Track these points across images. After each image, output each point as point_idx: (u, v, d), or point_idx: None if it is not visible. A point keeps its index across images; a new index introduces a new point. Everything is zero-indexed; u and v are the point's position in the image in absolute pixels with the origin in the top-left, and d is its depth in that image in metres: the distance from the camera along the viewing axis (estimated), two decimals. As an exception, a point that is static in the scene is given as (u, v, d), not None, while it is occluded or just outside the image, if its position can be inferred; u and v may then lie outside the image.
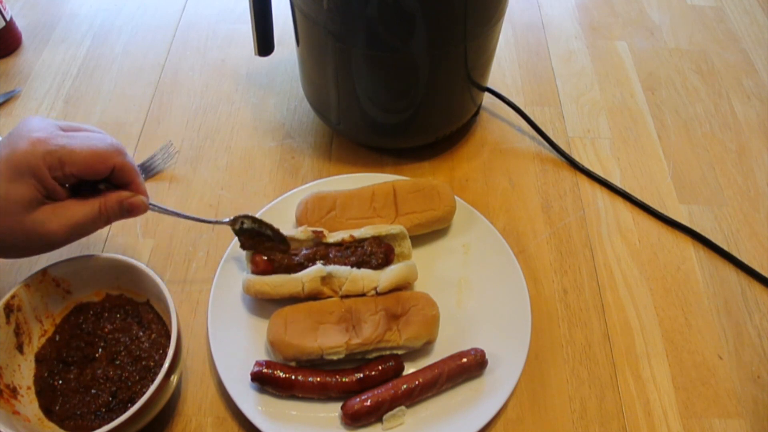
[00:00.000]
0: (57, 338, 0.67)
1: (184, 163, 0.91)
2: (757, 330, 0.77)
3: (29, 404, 0.62)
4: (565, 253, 0.83)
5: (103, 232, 0.83)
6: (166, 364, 0.58)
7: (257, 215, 0.80)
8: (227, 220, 0.73)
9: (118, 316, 0.69)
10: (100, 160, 0.61)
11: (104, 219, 0.63)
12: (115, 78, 1.03)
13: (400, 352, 0.69)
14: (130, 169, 0.64)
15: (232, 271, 0.76)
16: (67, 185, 0.61)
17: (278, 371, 0.66)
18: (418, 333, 0.69)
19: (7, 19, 1.03)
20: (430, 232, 0.81)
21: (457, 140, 0.95)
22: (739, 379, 0.73)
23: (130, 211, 0.65)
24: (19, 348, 0.65)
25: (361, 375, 0.67)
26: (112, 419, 0.55)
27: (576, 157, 0.94)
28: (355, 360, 0.69)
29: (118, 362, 0.66)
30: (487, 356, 0.69)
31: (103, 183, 0.63)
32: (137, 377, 0.64)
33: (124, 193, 0.64)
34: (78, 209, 0.61)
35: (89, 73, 1.03)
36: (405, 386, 0.66)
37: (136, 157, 0.91)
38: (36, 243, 0.60)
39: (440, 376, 0.67)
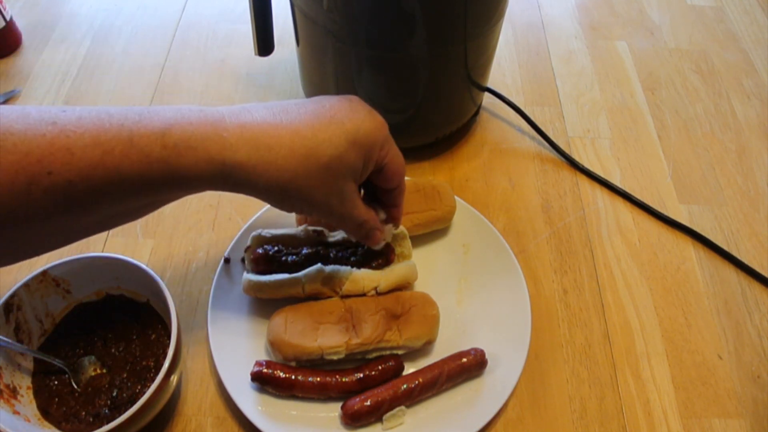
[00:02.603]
0: (56, 338, 0.67)
1: (184, 163, 0.91)
2: (757, 330, 0.77)
3: (29, 404, 0.62)
4: (565, 253, 0.83)
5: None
6: (166, 364, 0.58)
7: (257, 216, 0.80)
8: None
9: (118, 316, 0.69)
10: (399, 179, 0.62)
11: (360, 227, 0.62)
12: (115, 78, 1.03)
13: (400, 352, 0.69)
14: (399, 195, 0.65)
15: (232, 271, 0.76)
16: None
17: (278, 371, 0.66)
18: (418, 333, 0.69)
19: (7, 19, 1.03)
20: (430, 232, 0.81)
21: (457, 140, 0.95)
22: (739, 379, 0.73)
23: (369, 239, 0.64)
24: (19, 348, 0.65)
25: (361, 375, 0.67)
26: (112, 419, 0.55)
27: (576, 157, 0.94)
28: (355, 360, 0.69)
29: (117, 363, 0.66)
30: (487, 356, 0.69)
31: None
32: (137, 377, 0.64)
33: (379, 224, 0.64)
34: (361, 207, 0.60)
35: (89, 73, 1.03)
36: (405, 386, 0.66)
37: (136, 157, 0.91)
38: (325, 205, 0.57)
39: (440, 376, 0.67)
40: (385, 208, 0.66)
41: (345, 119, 0.54)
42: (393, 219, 0.67)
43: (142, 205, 0.52)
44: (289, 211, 0.58)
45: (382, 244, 0.68)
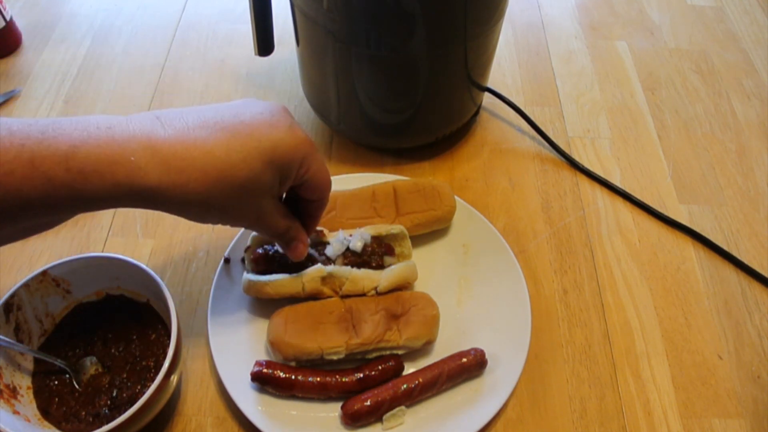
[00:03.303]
0: (56, 338, 0.67)
1: (184, 163, 0.91)
2: (757, 330, 0.77)
3: (29, 404, 0.62)
4: (565, 253, 0.83)
5: (103, 232, 0.83)
6: (166, 364, 0.58)
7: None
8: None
9: (118, 316, 0.69)
10: (321, 194, 0.61)
11: (279, 238, 0.63)
12: (115, 78, 1.03)
13: (400, 352, 0.69)
14: (319, 208, 0.64)
15: (232, 271, 0.76)
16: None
17: (278, 371, 0.66)
18: (418, 333, 0.69)
19: (7, 19, 1.03)
20: (430, 232, 0.81)
21: (457, 140, 0.95)
22: (739, 379, 0.73)
23: (288, 249, 0.65)
24: (19, 348, 0.64)
25: (361, 375, 0.67)
26: (112, 419, 0.55)
27: (576, 157, 0.94)
28: (355, 360, 0.69)
29: (117, 363, 0.66)
30: (487, 356, 0.69)
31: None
32: (137, 377, 0.65)
33: (304, 236, 0.65)
34: (280, 219, 0.60)
35: (89, 73, 1.03)
36: (405, 386, 0.66)
37: (136, 157, 0.91)
38: (242, 221, 0.58)
39: (440, 376, 0.67)
40: (301, 217, 0.65)
41: (263, 136, 0.53)
42: (305, 227, 0.66)
43: (51, 221, 0.51)
44: (207, 223, 0.57)
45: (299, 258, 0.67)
